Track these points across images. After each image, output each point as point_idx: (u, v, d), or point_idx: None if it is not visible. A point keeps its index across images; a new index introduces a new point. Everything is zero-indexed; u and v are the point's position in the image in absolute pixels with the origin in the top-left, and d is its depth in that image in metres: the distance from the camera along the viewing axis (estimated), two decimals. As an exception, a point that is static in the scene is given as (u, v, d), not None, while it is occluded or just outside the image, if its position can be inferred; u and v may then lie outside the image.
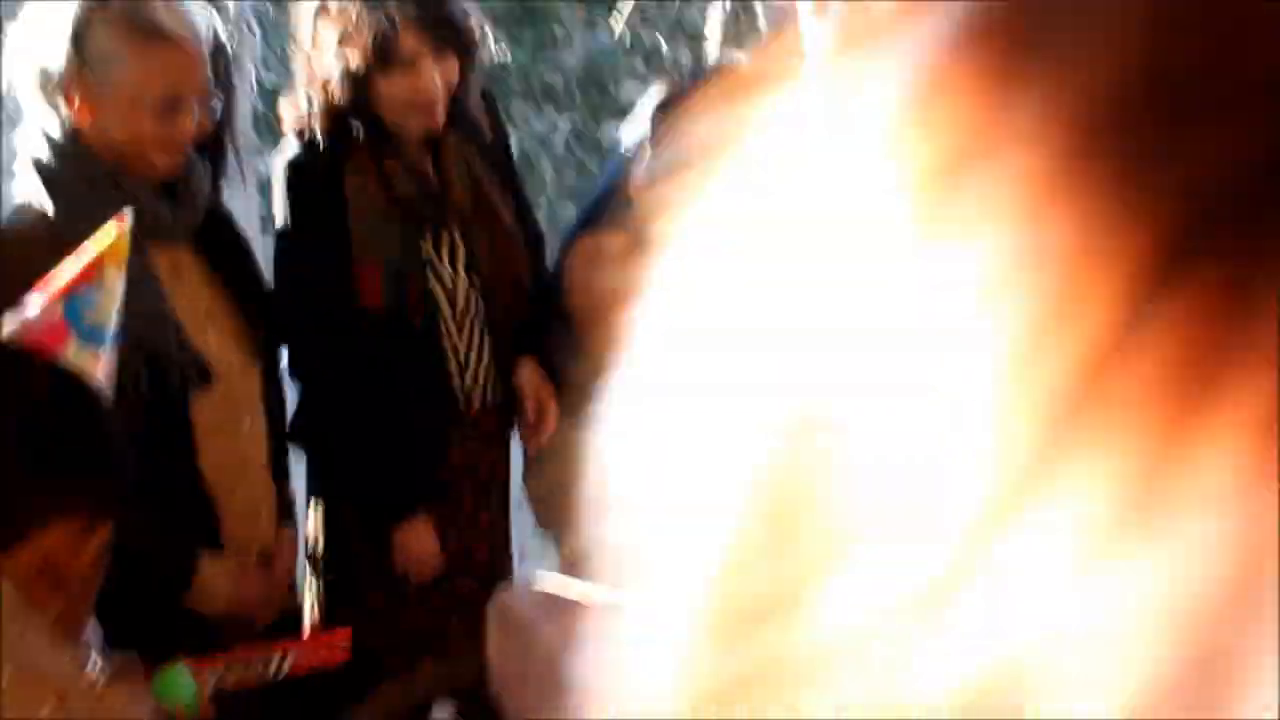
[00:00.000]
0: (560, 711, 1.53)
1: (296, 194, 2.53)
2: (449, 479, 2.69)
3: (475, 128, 2.69)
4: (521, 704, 2.08)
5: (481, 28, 2.56)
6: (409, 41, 2.40)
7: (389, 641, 2.55)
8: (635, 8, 11.46)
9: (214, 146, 2.40)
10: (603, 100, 12.39)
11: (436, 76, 2.45)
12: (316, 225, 2.49)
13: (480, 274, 2.62)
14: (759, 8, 11.19)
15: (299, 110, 2.50)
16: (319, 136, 2.47)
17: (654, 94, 2.70)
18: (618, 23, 11.10)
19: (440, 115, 2.50)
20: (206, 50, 2.11)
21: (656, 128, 2.47)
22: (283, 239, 2.55)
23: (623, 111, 12.47)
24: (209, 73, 2.13)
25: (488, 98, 2.79)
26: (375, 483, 2.54)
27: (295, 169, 2.52)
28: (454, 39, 2.46)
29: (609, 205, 2.52)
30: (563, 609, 2.17)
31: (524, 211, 2.82)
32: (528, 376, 2.64)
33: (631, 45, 12.39)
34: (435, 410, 2.60)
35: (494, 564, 2.77)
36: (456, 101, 2.57)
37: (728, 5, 6.62)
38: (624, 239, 2.44)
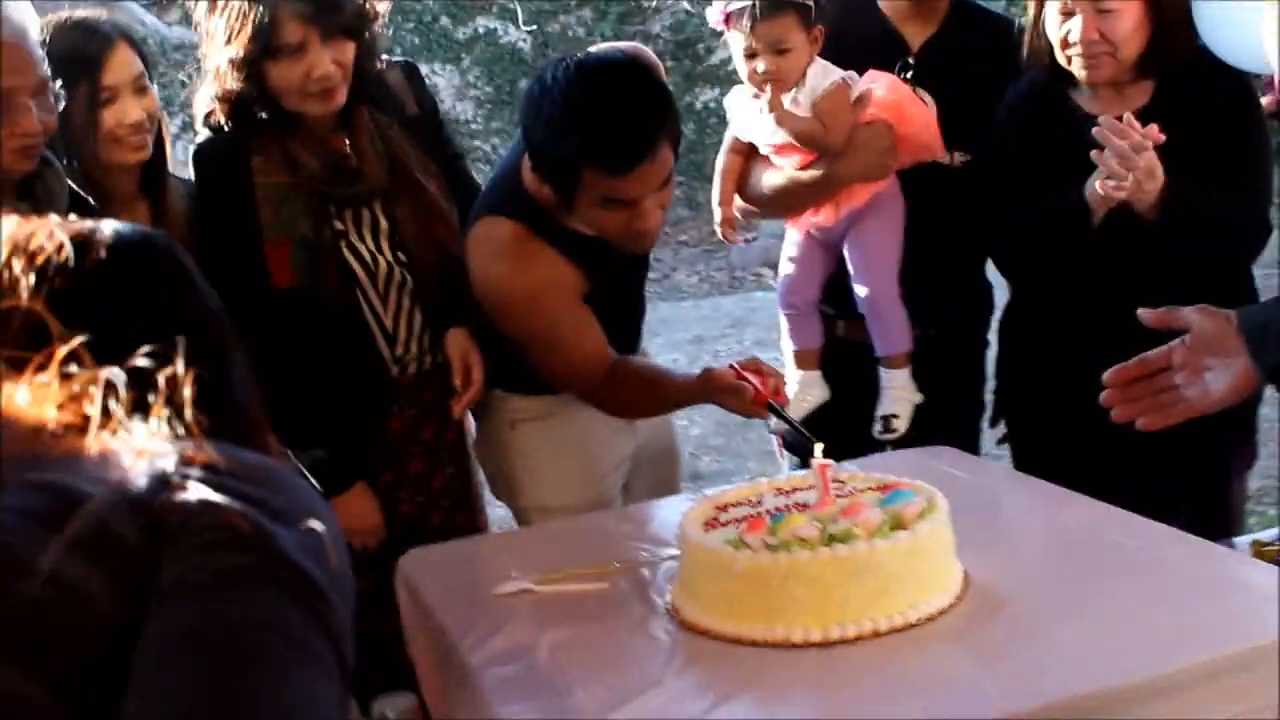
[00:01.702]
0: (450, 667, 1.61)
1: (204, 179, 2.62)
2: (394, 446, 2.77)
3: (394, 101, 2.76)
4: (422, 661, 2.16)
5: (372, 5, 2.61)
6: (292, 29, 2.48)
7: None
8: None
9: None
10: (694, 67, 12.43)
11: (328, 60, 2.52)
12: (224, 208, 2.58)
13: (405, 246, 2.68)
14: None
15: (206, 101, 2.60)
16: (222, 123, 2.57)
17: None
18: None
19: (340, 96, 2.57)
20: (32, 46, 2.15)
21: None
22: (196, 224, 2.63)
23: (714, 77, 12.47)
24: (44, 69, 2.17)
25: (410, 72, 2.85)
26: (310, 458, 2.61)
27: (201, 154, 2.62)
28: (339, 22, 2.53)
29: (505, 190, 2.55)
30: (454, 570, 2.26)
31: (461, 180, 2.87)
32: (454, 342, 2.69)
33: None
34: (362, 383, 2.67)
35: (450, 524, 2.84)
36: (364, 79, 2.63)
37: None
38: (512, 226, 2.49)
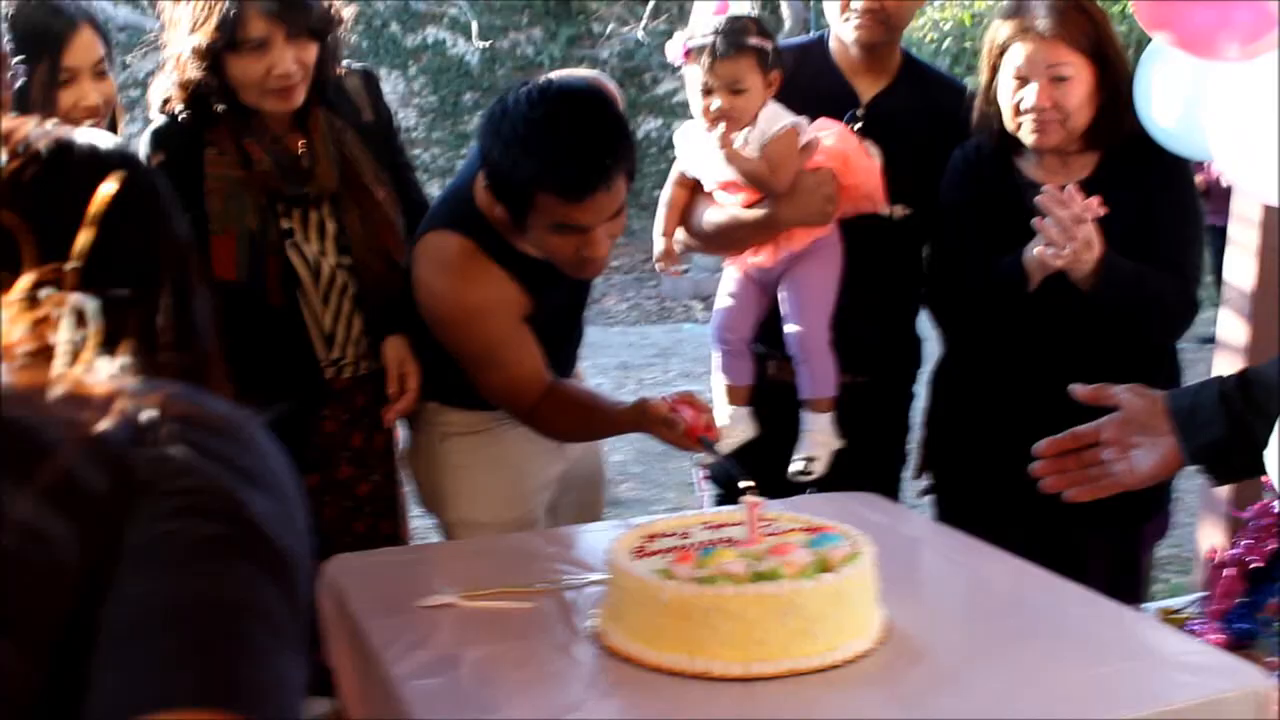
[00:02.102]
0: (372, 675, 1.61)
1: (156, 162, 2.61)
2: (323, 449, 2.76)
3: (350, 107, 2.77)
4: (342, 667, 2.16)
5: (338, 9, 2.62)
6: (258, 24, 2.49)
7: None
8: (664, 6, 11.52)
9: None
10: (639, 95, 12.51)
11: (290, 58, 2.52)
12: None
13: (351, 251, 2.69)
14: (785, 6, 11.12)
15: (164, 89, 2.60)
16: (179, 111, 2.56)
17: None
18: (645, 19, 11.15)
19: (298, 95, 2.58)
20: None
21: None
22: None
23: (658, 106, 12.55)
24: (3, 44, 2.17)
25: (369, 79, 2.86)
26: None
27: (156, 137, 2.61)
28: (305, 21, 2.54)
29: (456, 205, 2.57)
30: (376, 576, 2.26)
31: (408, 190, 2.89)
32: (391, 351, 2.70)
33: (665, 41, 12.45)
34: (296, 383, 2.67)
35: (374, 532, 2.84)
36: (323, 82, 2.64)
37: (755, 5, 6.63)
38: (460, 242, 2.50)
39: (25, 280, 0.96)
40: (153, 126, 2.63)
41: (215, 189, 2.57)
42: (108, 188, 1.07)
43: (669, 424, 2.47)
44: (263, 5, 2.48)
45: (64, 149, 1.09)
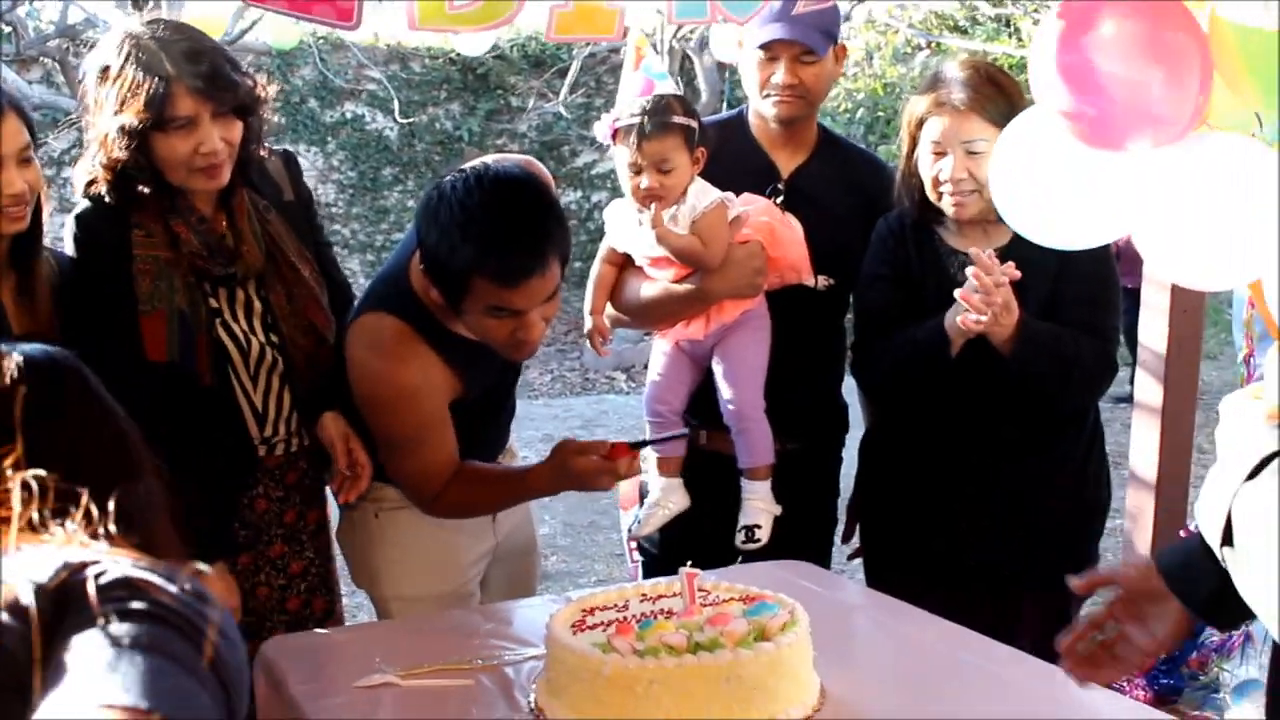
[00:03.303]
0: None
1: (82, 246, 2.60)
2: (255, 527, 2.75)
3: (272, 186, 2.79)
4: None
5: (262, 89, 2.64)
6: (185, 102, 2.50)
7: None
8: (582, 80, 11.64)
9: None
10: (559, 168, 12.59)
11: (216, 136, 2.54)
12: (102, 276, 2.56)
13: (278, 328, 2.69)
14: (700, 77, 11.30)
15: (88, 170, 2.59)
16: (104, 192, 2.56)
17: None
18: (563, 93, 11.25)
19: (224, 174, 2.59)
20: None
21: None
22: (68, 291, 2.60)
23: (577, 179, 12.62)
24: None
25: (289, 160, 2.89)
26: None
27: (81, 221, 2.60)
28: (232, 100, 2.55)
29: (391, 288, 2.59)
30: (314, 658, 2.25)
31: (328, 268, 2.90)
32: (332, 427, 2.69)
33: (583, 114, 12.59)
34: (227, 461, 2.66)
35: (307, 609, 2.82)
36: (246, 161, 2.66)
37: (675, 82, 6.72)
38: (394, 324, 2.52)
39: None
40: (77, 210, 2.62)
41: (144, 270, 2.56)
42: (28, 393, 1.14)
43: (589, 449, 2.50)
44: (190, 84, 2.49)
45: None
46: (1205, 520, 1.60)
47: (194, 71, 2.50)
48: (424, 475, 2.61)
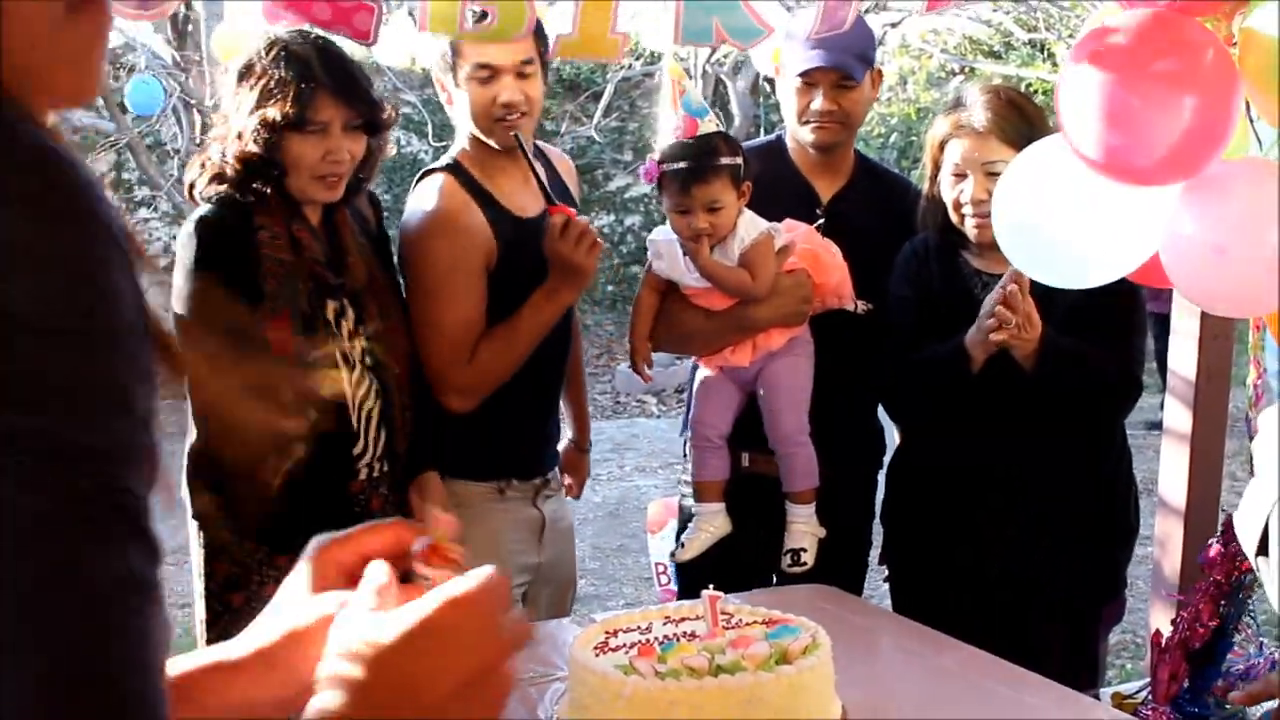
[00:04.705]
0: None
1: (208, 242, 2.59)
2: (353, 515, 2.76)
3: (360, 218, 2.83)
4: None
5: (393, 112, 2.69)
6: (325, 107, 2.57)
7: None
8: (615, 104, 11.68)
9: None
10: (591, 192, 12.64)
11: (345, 147, 2.59)
12: (231, 274, 2.57)
13: (371, 346, 2.71)
14: (734, 102, 11.31)
15: (211, 163, 2.62)
16: (231, 184, 2.58)
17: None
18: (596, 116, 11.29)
19: (341, 188, 2.64)
20: None
21: None
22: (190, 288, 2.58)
23: (610, 203, 12.56)
24: None
25: (374, 200, 2.94)
26: None
27: (206, 221, 2.60)
28: (367, 114, 2.63)
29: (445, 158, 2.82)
30: None
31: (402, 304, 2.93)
32: (430, 487, 2.81)
33: (616, 138, 12.63)
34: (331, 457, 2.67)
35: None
36: (356, 183, 2.70)
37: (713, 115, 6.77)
38: (446, 178, 2.82)
39: None
40: (199, 213, 2.64)
41: (271, 270, 2.60)
42: None
43: (560, 216, 2.75)
44: (333, 90, 2.57)
45: None
46: (1243, 531, 1.61)
47: (337, 79, 2.60)
48: (454, 333, 2.79)
